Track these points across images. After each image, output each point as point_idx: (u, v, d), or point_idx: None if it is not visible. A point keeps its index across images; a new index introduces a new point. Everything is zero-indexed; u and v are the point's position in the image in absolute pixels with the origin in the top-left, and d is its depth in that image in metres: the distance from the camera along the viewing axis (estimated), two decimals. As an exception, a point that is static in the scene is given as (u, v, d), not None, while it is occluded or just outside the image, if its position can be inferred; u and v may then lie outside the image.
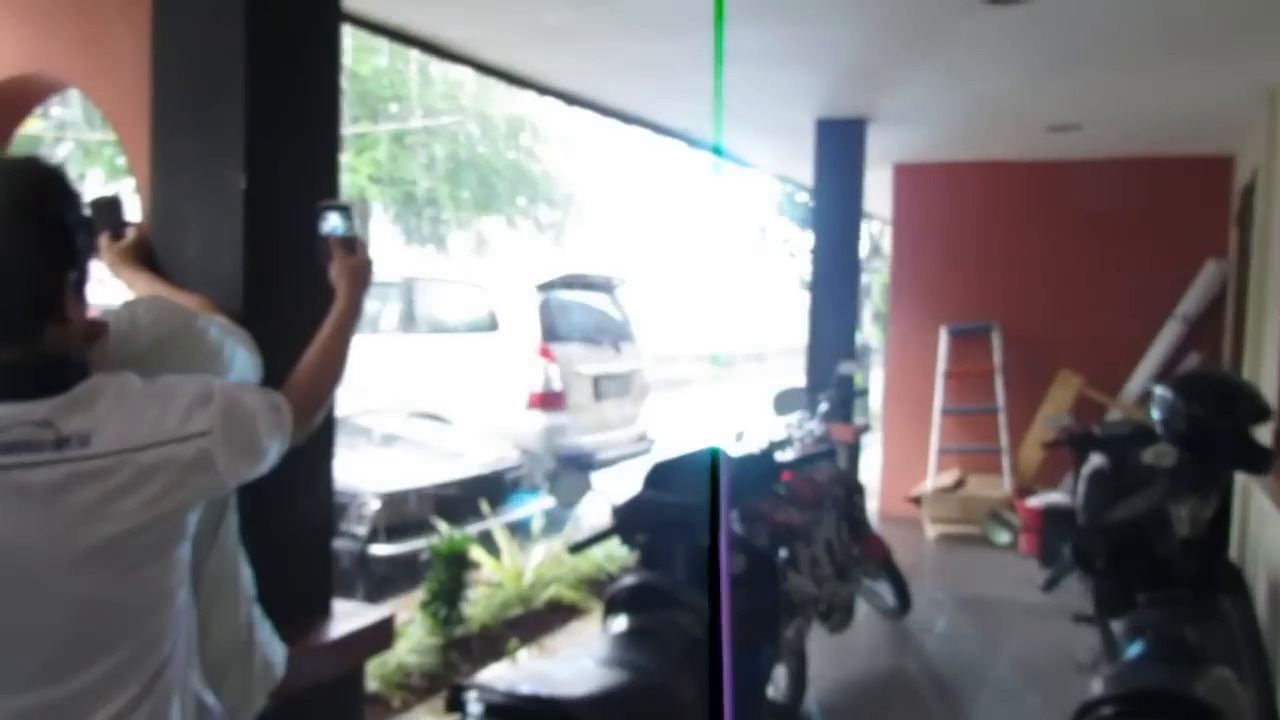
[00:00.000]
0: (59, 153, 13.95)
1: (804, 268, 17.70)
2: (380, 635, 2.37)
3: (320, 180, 2.35)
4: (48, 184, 1.43)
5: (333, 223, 1.84)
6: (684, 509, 2.85)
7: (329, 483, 2.50)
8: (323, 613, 2.33)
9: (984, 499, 7.34)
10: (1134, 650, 2.95)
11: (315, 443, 1.88)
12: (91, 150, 14.71)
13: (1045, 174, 7.57)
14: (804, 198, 16.71)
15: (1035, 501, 6.98)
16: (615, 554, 5.85)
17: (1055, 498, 6.98)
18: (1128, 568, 3.29)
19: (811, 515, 4.61)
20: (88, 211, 1.49)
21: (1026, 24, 4.24)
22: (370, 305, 10.31)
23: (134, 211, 2.15)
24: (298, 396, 1.69)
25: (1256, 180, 5.67)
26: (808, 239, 17.43)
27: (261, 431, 1.53)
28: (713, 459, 3.09)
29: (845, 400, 5.69)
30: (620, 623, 2.67)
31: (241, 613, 1.83)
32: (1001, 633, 5.45)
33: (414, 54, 17.65)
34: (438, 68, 18.64)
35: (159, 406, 1.44)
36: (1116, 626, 3.28)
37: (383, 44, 17.04)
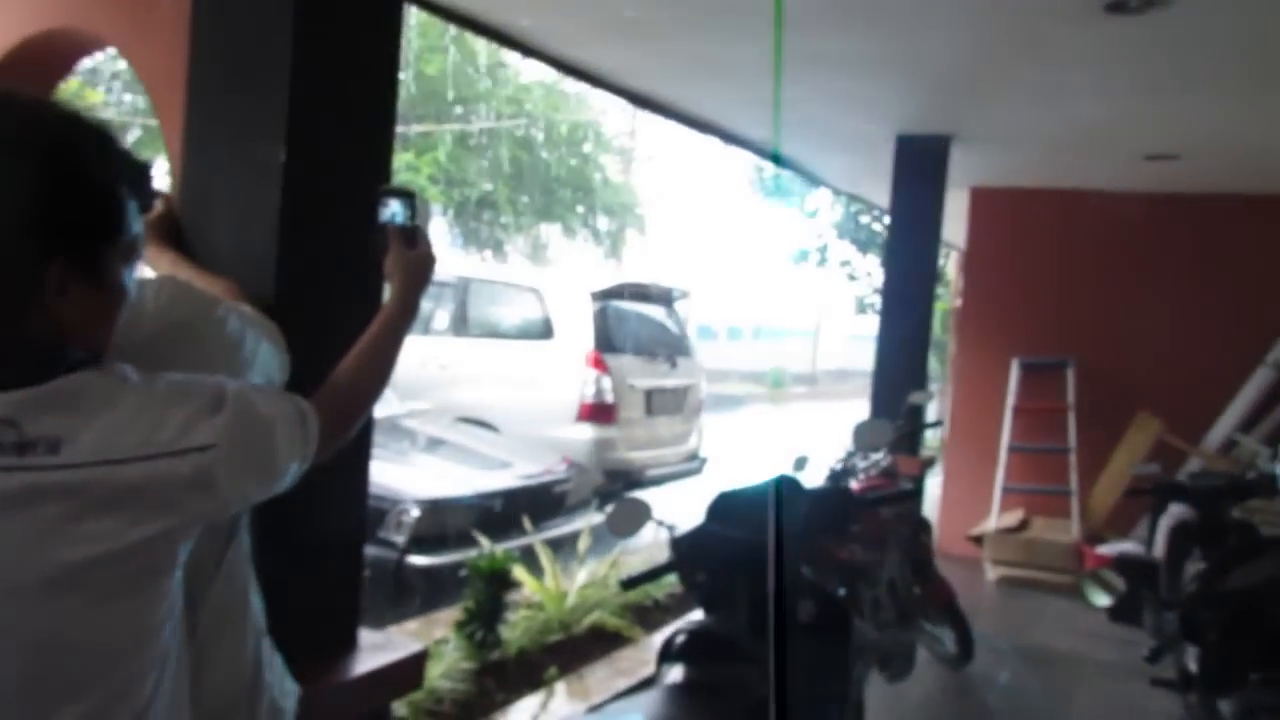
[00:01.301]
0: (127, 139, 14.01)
1: (862, 291, 17.39)
2: (409, 673, 2.09)
3: (371, 164, 2.11)
4: (55, 132, 1.17)
5: (393, 210, 1.62)
6: (750, 546, 2.55)
7: (362, 495, 2.23)
8: (346, 646, 2.06)
9: (1050, 542, 6.96)
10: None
11: (350, 451, 1.61)
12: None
13: (1135, 206, 7.19)
14: (867, 219, 16.38)
15: (1105, 550, 6.54)
16: (665, 580, 5.56)
17: (1127, 547, 6.58)
18: (1242, 641, 2.94)
19: (875, 554, 4.31)
20: (124, 178, 1.22)
21: (1142, 38, 3.92)
22: (423, 305, 10.27)
23: (165, 183, 1.91)
24: (331, 406, 1.42)
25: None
26: (868, 262, 17.23)
27: (280, 446, 1.27)
28: (783, 492, 2.79)
29: (914, 432, 5.41)
30: (676, 673, 2.38)
31: (248, 650, 1.57)
32: (1069, 690, 5.08)
33: (481, 57, 17.63)
34: (504, 72, 18.60)
35: (155, 411, 1.17)
36: (1225, 706, 2.93)
37: (450, 44, 17.02)
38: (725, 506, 2.70)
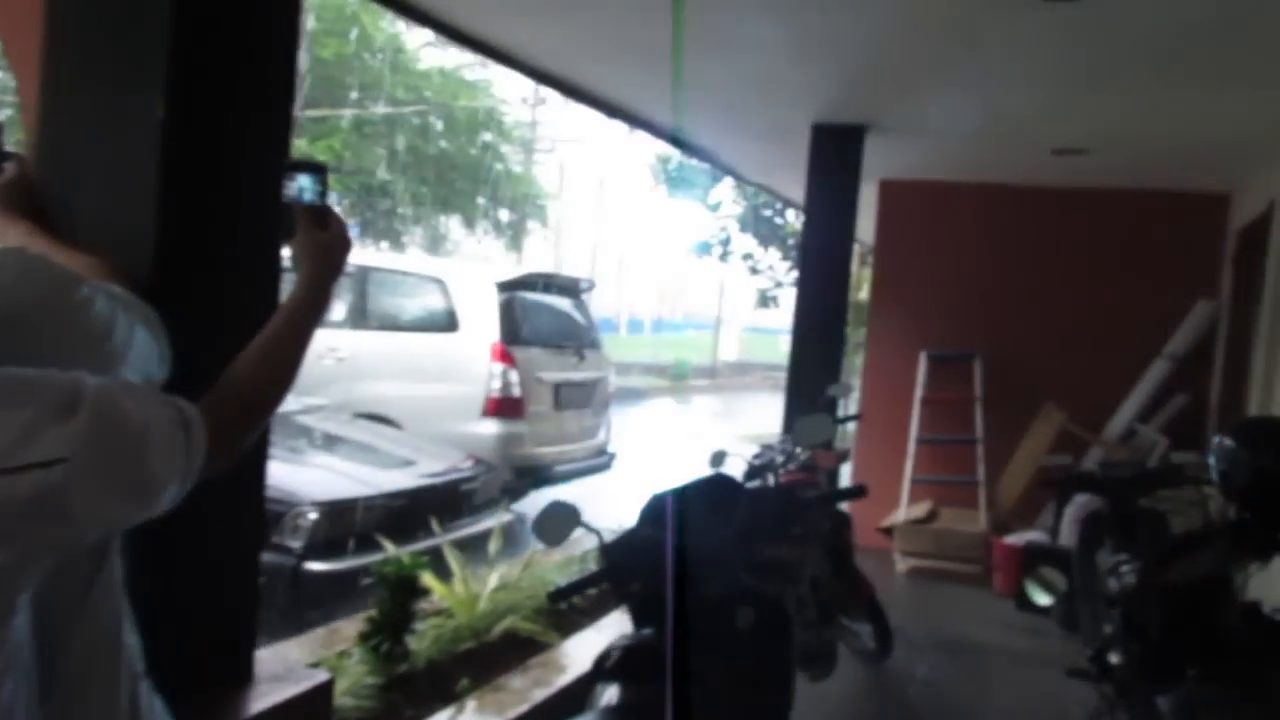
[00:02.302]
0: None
1: (764, 284, 17.45)
2: (314, 708, 1.84)
3: (273, 130, 1.83)
4: None
5: (300, 185, 1.44)
6: (690, 552, 2.35)
7: (258, 505, 1.97)
8: (240, 680, 1.79)
9: (958, 533, 6.98)
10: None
11: (244, 455, 1.34)
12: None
13: (1040, 201, 7.28)
14: (770, 212, 16.40)
15: (1012, 539, 6.64)
16: (574, 576, 5.33)
17: (1034, 536, 6.64)
18: (1181, 637, 2.87)
19: (798, 551, 4.17)
20: None
21: (1069, 27, 3.86)
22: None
23: (16, 142, 1.60)
24: (223, 411, 1.19)
25: (1273, 214, 5.35)
26: (770, 255, 17.28)
27: (153, 460, 1.01)
28: (719, 492, 2.61)
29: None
30: (612, 694, 2.17)
31: (122, 699, 1.29)
32: (986, 682, 5.04)
33: (380, 42, 17.10)
34: (403, 58, 18.11)
35: (-13, 414, 0.90)
36: (1164, 702, 2.85)
37: (348, 29, 16.46)
38: (659, 509, 2.49)
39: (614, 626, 4.59)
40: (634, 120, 6.40)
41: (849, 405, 8.68)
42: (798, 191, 6.96)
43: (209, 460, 1.13)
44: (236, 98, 1.74)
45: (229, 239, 1.58)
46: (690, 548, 2.37)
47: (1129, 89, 4.74)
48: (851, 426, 7.87)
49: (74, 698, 1.18)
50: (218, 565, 1.85)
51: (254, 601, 1.96)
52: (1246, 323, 6.12)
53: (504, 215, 21.07)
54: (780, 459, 4.36)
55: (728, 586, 2.49)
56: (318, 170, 1.45)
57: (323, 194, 1.45)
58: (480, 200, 20.10)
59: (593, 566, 5.38)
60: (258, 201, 1.43)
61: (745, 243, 17.65)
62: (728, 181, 16.14)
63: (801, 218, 9.14)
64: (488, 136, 19.65)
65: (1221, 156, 5.92)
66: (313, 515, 5.21)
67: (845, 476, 7.44)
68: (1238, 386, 6.10)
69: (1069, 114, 5.33)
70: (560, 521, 2.32)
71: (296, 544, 5.11)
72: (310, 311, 1.38)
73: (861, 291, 11.85)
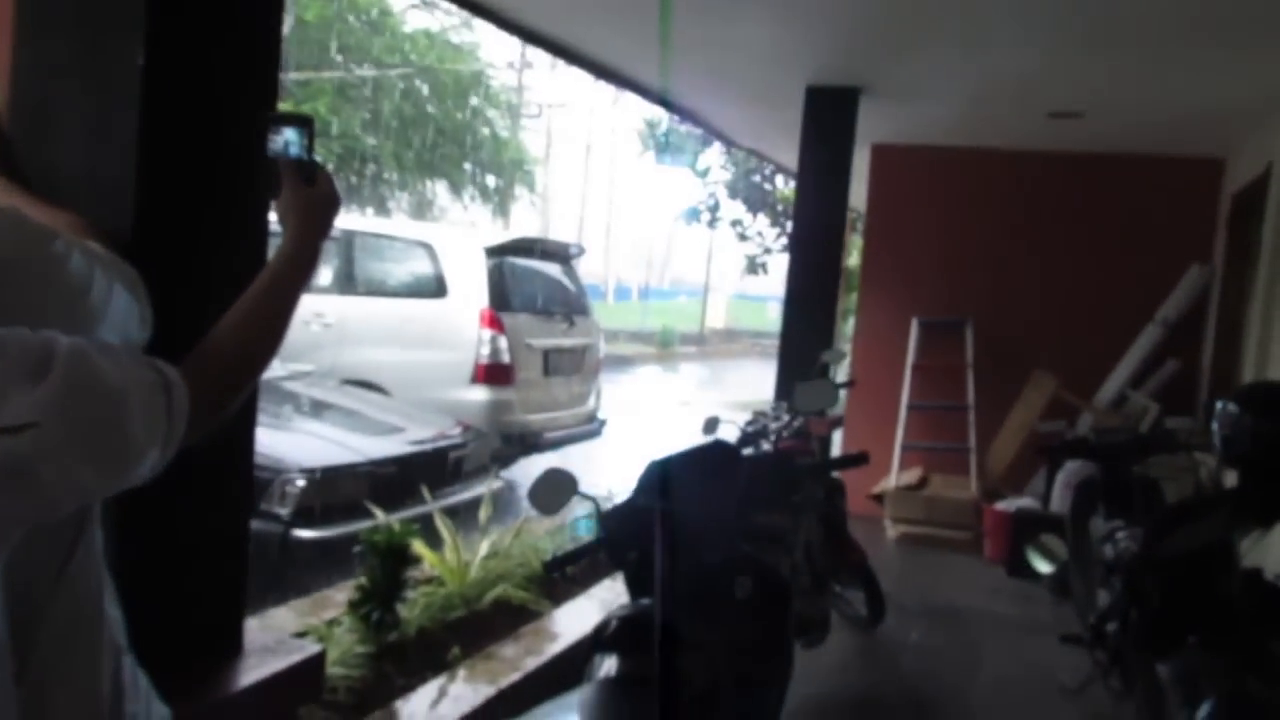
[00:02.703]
0: None
1: (753, 250, 17.38)
2: (306, 680, 1.78)
3: (257, 79, 1.75)
4: None
5: (286, 139, 1.38)
6: (688, 521, 2.30)
7: (246, 471, 1.90)
8: (230, 652, 1.73)
9: (949, 499, 6.98)
10: (1202, 714, 2.49)
11: (232, 419, 1.29)
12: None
13: (1034, 166, 7.22)
14: (759, 178, 16.30)
15: (1003, 506, 6.65)
16: (565, 544, 5.30)
17: (1025, 503, 6.65)
18: (1182, 605, 2.84)
19: (791, 518, 4.14)
20: None
21: None
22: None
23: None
24: (206, 375, 1.14)
25: (1271, 177, 5.30)
26: (759, 222, 17.19)
27: (132, 426, 0.94)
28: (718, 459, 2.56)
29: (825, 392, 5.25)
30: (610, 665, 2.12)
31: (104, 675, 1.23)
32: (978, 648, 5.04)
33: (364, 3, 16.85)
34: (389, 20, 17.87)
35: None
36: (1165, 670, 2.83)
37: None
38: (657, 477, 2.43)
39: (607, 594, 4.56)
40: (622, 82, 6.31)
41: (841, 372, 8.67)
42: (789, 156, 6.89)
43: (191, 426, 1.07)
44: (221, 46, 1.65)
45: (212, 195, 1.50)
46: (688, 516, 2.32)
47: (1125, 51, 4.69)
48: (843, 393, 7.84)
49: (51, 674, 1.12)
50: (205, 535, 1.79)
51: (243, 572, 1.91)
52: (1240, 287, 6.10)
53: (490, 181, 20.89)
54: (774, 426, 4.34)
55: (726, 555, 2.45)
56: (304, 123, 1.39)
57: (309, 148, 1.39)
58: (467, 166, 19.94)
59: (583, 535, 5.37)
60: (242, 156, 1.36)
61: (734, 209, 17.55)
62: (717, 147, 16.02)
63: (792, 183, 9.06)
64: (474, 101, 19.44)
65: (1217, 120, 5.87)
66: (301, 482, 5.17)
67: (837, 444, 7.42)
68: (1231, 352, 6.09)
69: (1065, 77, 5.27)
70: (557, 489, 2.27)
71: (284, 511, 5.08)
72: (297, 271, 1.32)
73: (852, 257, 11.83)
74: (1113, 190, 7.08)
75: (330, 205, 1.38)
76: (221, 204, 1.57)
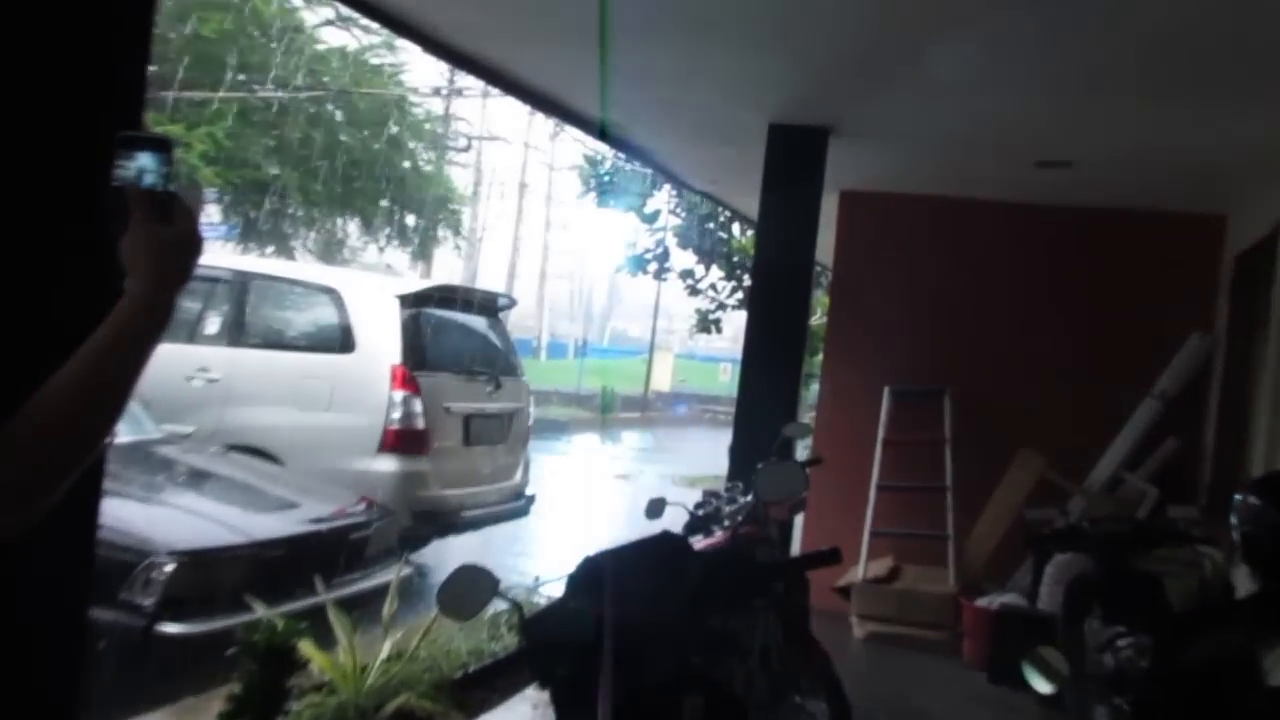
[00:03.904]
0: None
1: (705, 305, 17.43)
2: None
3: (109, 91, 1.63)
4: None
5: (140, 166, 1.31)
6: (631, 629, 2.18)
7: (86, 552, 1.75)
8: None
9: (924, 594, 6.93)
10: None
11: (71, 491, 1.19)
12: None
13: (1020, 219, 7.34)
14: (713, 225, 16.39)
15: (985, 602, 6.59)
16: (483, 644, 5.15)
17: (1008, 599, 6.60)
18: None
19: (748, 618, 4.02)
20: None
21: (1063, 28, 3.90)
22: (186, 304, 9.32)
23: None
24: (26, 450, 1.09)
25: (1279, 237, 5.39)
26: (713, 274, 17.26)
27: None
28: (671, 555, 2.45)
29: (787, 470, 5.18)
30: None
31: None
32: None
33: (272, 17, 16.80)
34: (299, 38, 17.83)
35: None
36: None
37: (234, 0, 16.15)
38: (592, 576, 2.32)
39: (529, 708, 4.39)
40: (562, 113, 6.33)
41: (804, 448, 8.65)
42: (748, 202, 6.94)
43: (8, 511, 1.01)
44: (57, 28, 1.53)
45: (39, 233, 1.37)
46: (630, 623, 2.20)
47: (1120, 96, 4.78)
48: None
49: None
50: (32, 633, 1.63)
51: (80, 675, 1.75)
52: (1246, 358, 6.17)
53: (411, 220, 20.79)
54: (728, 509, 4.23)
55: (673, 671, 2.32)
56: (162, 147, 1.33)
57: (168, 176, 1.32)
58: (384, 202, 19.84)
59: (506, 634, 5.19)
60: (83, 182, 1.23)
61: (685, 259, 17.60)
62: (667, 189, 16.10)
63: (751, 233, 9.05)
64: (394, 130, 19.39)
65: (1220, 173, 6.00)
66: (170, 567, 4.99)
67: (798, 528, 7.34)
68: (1237, 430, 6.14)
69: (1055, 122, 5.36)
70: (473, 590, 2.16)
71: (148, 601, 4.88)
72: (145, 326, 1.26)
73: (816, 316, 11.86)
74: (1105, 248, 7.18)
75: (190, 247, 1.31)
76: (54, 244, 1.43)
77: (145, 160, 1.31)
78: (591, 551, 2.39)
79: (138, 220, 1.28)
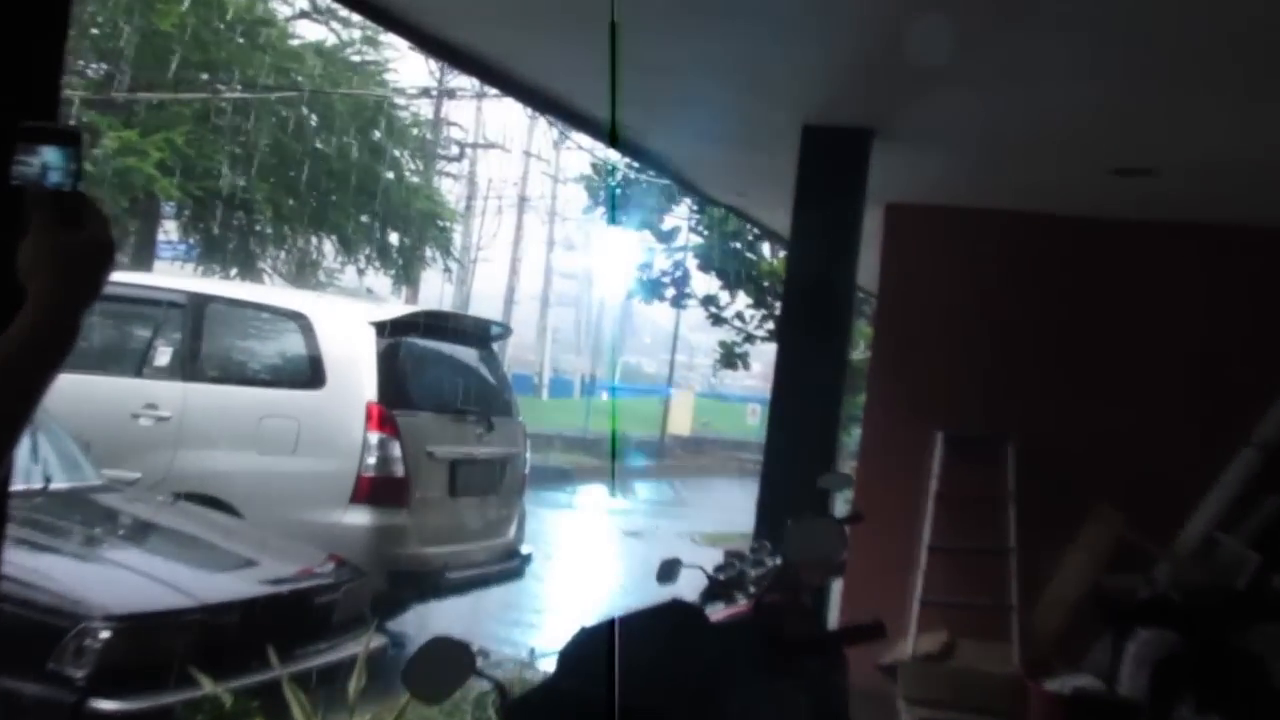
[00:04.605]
0: None
1: (731, 337, 17.42)
2: None
3: (18, 77, 1.60)
4: None
5: (43, 162, 1.35)
6: (631, 716, 2.13)
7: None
8: None
9: (983, 674, 6.91)
10: None
11: None
12: None
13: (1094, 236, 7.30)
14: (740, 244, 16.40)
15: (1055, 685, 6.52)
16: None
17: (1083, 681, 6.53)
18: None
19: (775, 703, 3.95)
20: None
21: (1146, 11, 3.88)
22: (133, 332, 9.37)
23: None
24: None
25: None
26: (740, 301, 17.26)
27: None
28: (682, 627, 2.41)
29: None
30: None
31: None
32: None
33: (238, 9, 16.98)
34: (268, 33, 18.02)
35: None
36: None
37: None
38: (589, 653, 2.27)
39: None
40: (567, 115, 6.43)
41: (843, 502, 8.61)
42: (778, 216, 6.97)
43: None
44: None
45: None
46: (630, 709, 2.15)
47: (1212, 92, 4.73)
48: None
49: None
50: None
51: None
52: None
53: (395, 238, 20.94)
54: (754, 573, 4.18)
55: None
56: (70, 140, 1.36)
57: (77, 175, 1.35)
58: (364, 218, 20.00)
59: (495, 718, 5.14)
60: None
61: (707, 283, 17.61)
62: (687, 203, 16.12)
63: (782, 253, 9.00)
64: (376, 136, 19.56)
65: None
66: (105, 633, 5.06)
67: (835, 595, 7.27)
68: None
69: (1135, 123, 5.34)
70: (446, 668, 2.14)
71: (79, 673, 4.94)
72: (44, 349, 1.30)
73: (858, 350, 11.82)
74: (1194, 271, 7.12)
75: (100, 256, 1.35)
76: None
77: (51, 156, 1.33)
78: (588, 622, 2.34)
79: (40, 224, 1.31)
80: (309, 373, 7.74)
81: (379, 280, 22.48)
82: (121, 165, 15.65)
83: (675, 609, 2.45)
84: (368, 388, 7.51)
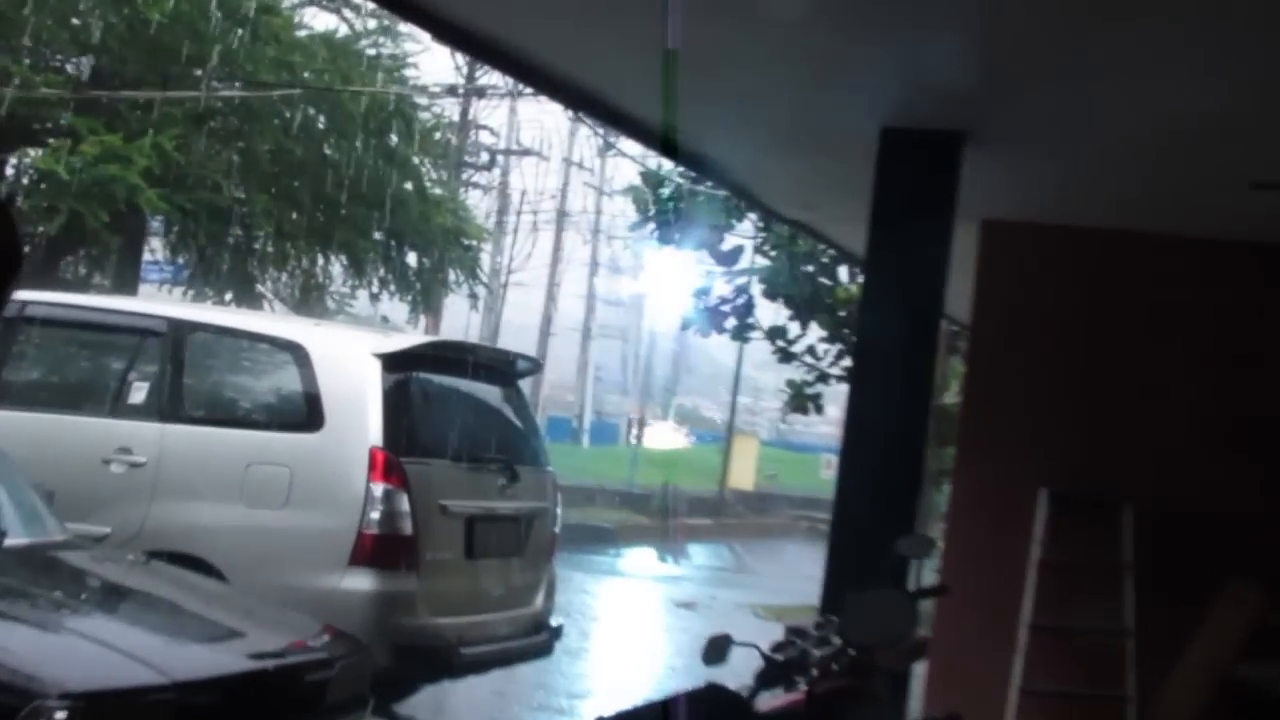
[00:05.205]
0: None
1: (802, 376, 17.34)
2: None
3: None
4: None
5: None
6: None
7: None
8: None
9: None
10: None
11: None
12: None
13: (1230, 261, 7.24)
14: (813, 266, 16.33)
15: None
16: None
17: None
18: None
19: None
20: None
21: None
22: (105, 364, 9.47)
23: None
24: None
25: None
26: (812, 333, 17.18)
27: None
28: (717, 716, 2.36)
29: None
30: None
31: None
32: None
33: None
34: (270, 23, 18.18)
35: None
36: None
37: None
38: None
39: None
40: (614, 117, 6.46)
41: (928, 571, 8.52)
42: (854, 233, 6.96)
43: None
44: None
45: None
46: None
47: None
48: (927, 605, 7.66)
49: None
50: None
51: None
52: None
53: (413, 259, 21.05)
54: (818, 653, 4.18)
55: None
56: None
57: None
58: (378, 235, 20.13)
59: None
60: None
61: (774, 312, 17.57)
62: (750, 220, 16.09)
63: (861, 276, 8.93)
64: (394, 140, 19.71)
65: None
66: (61, 714, 5.05)
67: (918, 682, 7.18)
68: None
69: (1275, 130, 5.26)
70: None
71: None
72: None
73: (949, 392, 11.71)
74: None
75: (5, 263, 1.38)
76: None
77: None
78: (608, 712, 2.30)
79: None
80: (304, 413, 7.76)
81: (395, 307, 22.61)
82: (102, 174, 15.86)
83: (711, 696, 2.41)
84: (372, 431, 7.50)
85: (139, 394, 7.98)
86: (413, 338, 9.31)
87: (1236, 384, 7.20)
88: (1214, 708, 6.62)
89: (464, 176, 25.75)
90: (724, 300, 17.70)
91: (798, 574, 16.70)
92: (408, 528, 7.44)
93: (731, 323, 17.91)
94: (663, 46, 4.91)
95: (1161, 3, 4.06)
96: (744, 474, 34.71)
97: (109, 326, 7.99)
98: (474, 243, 22.69)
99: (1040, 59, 4.82)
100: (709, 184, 13.64)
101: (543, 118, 31.32)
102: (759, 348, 19.17)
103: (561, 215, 36.11)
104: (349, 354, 7.99)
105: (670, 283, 21.42)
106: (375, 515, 7.34)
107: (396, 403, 7.70)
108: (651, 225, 18.61)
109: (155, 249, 20.42)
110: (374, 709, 6.45)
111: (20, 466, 6.45)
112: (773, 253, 16.88)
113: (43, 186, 16.89)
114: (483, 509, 8.10)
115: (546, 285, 37.12)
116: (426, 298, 21.82)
